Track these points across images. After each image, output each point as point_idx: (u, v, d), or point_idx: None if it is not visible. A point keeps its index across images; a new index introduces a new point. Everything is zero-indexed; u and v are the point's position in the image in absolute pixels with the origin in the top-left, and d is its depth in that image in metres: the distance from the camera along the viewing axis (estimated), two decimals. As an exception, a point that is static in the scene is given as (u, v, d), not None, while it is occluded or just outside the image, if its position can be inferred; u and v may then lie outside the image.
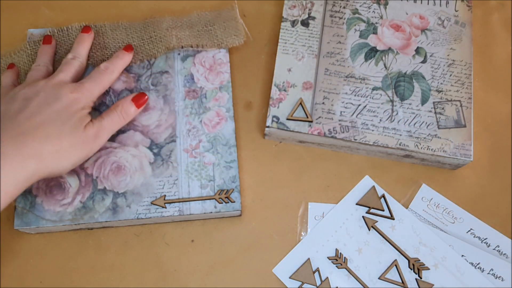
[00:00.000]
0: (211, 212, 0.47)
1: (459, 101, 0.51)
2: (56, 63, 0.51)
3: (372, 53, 0.52)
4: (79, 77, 0.49)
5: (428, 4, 0.55)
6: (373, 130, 0.50)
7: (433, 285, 0.48)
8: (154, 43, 0.52)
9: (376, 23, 0.54)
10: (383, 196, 0.51)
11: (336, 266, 0.48)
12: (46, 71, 0.48)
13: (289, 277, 0.48)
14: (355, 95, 0.51)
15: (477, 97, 0.55)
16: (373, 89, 0.51)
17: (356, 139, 0.49)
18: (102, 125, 0.45)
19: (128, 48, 0.50)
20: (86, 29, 0.51)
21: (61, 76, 0.46)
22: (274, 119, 0.50)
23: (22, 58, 0.52)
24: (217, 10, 0.54)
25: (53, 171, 0.41)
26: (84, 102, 0.44)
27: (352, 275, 0.48)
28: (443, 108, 0.51)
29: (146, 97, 0.48)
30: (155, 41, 0.52)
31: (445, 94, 0.51)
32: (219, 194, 0.48)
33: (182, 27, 0.53)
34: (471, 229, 0.50)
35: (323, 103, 0.50)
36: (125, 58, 0.50)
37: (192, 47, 0.52)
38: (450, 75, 0.52)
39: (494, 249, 0.50)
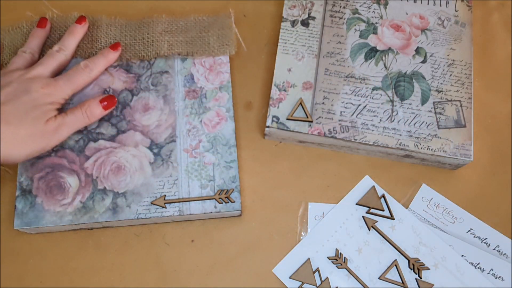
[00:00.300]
0: (211, 212, 0.47)
1: (459, 101, 0.51)
2: (46, 47, 0.51)
3: (372, 53, 0.52)
4: (61, 70, 0.50)
5: (428, 4, 0.55)
6: (373, 130, 0.50)
7: (433, 285, 0.48)
8: (145, 45, 0.51)
9: (376, 23, 0.54)
10: (383, 196, 0.51)
11: (336, 266, 0.48)
12: (30, 59, 0.49)
13: (289, 277, 0.48)
14: (355, 95, 0.51)
15: (477, 97, 0.55)
16: (373, 89, 0.51)
17: (356, 139, 0.49)
18: (64, 121, 0.45)
19: (115, 46, 0.50)
20: (80, 19, 0.51)
21: (39, 69, 0.46)
22: (274, 119, 0.50)
23: (17, 35, 0.52)
24: (214, 16, 0.54)
25: (7, 157, 0.43)
26: (54, 98, 0.45)
27: (352, 275, 0.48)
28: (443, 108, 0.51)
29: (115, 100, 0.49)
30: (146, 43, 0.51)
31: (445, 94, 0.51)
32: (219, 194, 0.48)
33: (176, 31, 0.52)
34: (471, 229, 0.50)
35: (323, 103, 0.51)
36: (109, 57, 0.50)
37: (181, 54, 0.52)
38: (450, 75, 0.52)
39: (494, 249, 0.50)
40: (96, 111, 0.47)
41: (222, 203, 0.47)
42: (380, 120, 0.50)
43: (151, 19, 0.53)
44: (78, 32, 0.50)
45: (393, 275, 0.48)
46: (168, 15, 0.54)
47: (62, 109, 0.48)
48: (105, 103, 0.48)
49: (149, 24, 0.52)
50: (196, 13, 0.54)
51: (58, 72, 0.49)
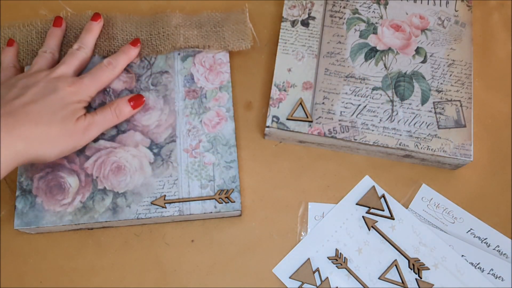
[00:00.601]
0: (211, 212, 0.47)
1: (459, 101, 0.51)
2: (64, 46, 0.52)
3: (372, 53, 0.52)
4: (83, 68, 0.50)
5: (428, 4, 0.55)
6: (373, 130, 0.50)
7: (433, 285, 0.48)
8: (161, 40, 0.52)
9: (376, 23, 0.54)
10: (383, 196, 0.51)
11: (336, 266, 0.48)
12: (51, 59, 0.49)
13: (289, 277, 0.48)
14: (355, 95, 0.51)
15: (477, 97, 0.55)
16: (373, 89, 0.51)
17: (356, 139, 0.49)
18: (94, 120, 0.46)
19: (135, 42, 0.51)
20: (96, 16, 0.51)
21: (63, 68, 0.47)
22: (274, 119, 0.50)
23: (30, 33, 0.52)
24: (228, 12, 0.54)
25: (39, 156, 0.42)
26: (80, 96, 0.46)
27: (352, 275, 0.48)
28: (443, 108, 0.51)
29: (143, 99, 0.49)
30: (162, 37, 0.52)
31: (445, 94, 0.51)
32: (219, 194, 0.48)
33: (191, 26, 0.53)
34: (471, 229, 0.50)
35: (323, 103, 0.51)
36: (131, 53, 0.50)
37: (198, 47, 0.52)
38: (450, 75, 0.52)
39: (494, 249, 0.50)
40: (125, 110, 0.48)
41: (222, 203, 0.47)
42: (380, 120, 0.50)
43: (164, 14, 0.53)
44: (94, 29, 0.51)
45: (393, 275, 0.48)
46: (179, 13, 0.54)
47: (87, 108, 0.48)
48: (135, 101, 0.48)
49: (163, 18, 0.52)
50: (197, 13, 0.54)
51: (81, 71, 0.50)
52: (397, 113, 0.50)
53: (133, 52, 0.50)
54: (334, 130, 0.49)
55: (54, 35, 0.51)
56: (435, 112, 0.51)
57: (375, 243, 0.49)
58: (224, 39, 0.52)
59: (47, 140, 0.42)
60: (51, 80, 0.45)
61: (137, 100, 0.49)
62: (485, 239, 0.50)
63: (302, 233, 0.50)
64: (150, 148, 0.49)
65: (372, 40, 0.53)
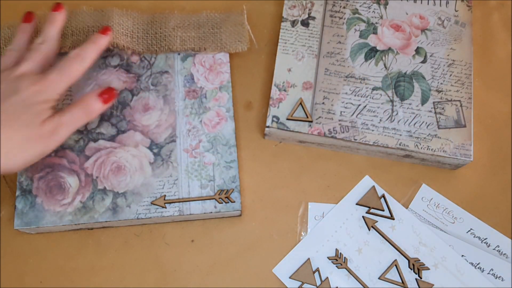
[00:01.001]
0: (211, 212, 0.47)
1: (459, 101, 0.51)
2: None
3: (372, 53, 0.52)
4: (49, 63, 0.45)
5: (428, 4, 0.55)
6: (373, 130, 0.50)
7: (433, 285, 0.48)
8: (157, 40, 0.52)
9: (376, 23, 0.54)
10: (383, 196, 0.51)
11: (336, 266, 0.48)
12: (19, 57, 0.44)
13: (289, 277, 0.48)
14: (355, 95, 0.51)
15: (477, 97, 0.55)
16: (373, 89, 0.51)
17: (356, 139, 0.49)
18: (61, 121, 0.41)
19: (105, 30, 0.46)
20: (57, 6, 0.46)
21: (25, 66, 0.42)
22: (274, 119, 0.50)
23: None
24: (227, 12, 0.54)
25: (4, 166, 0.38)
26: (46, 95, 0.41)
27: (352, 275, 0.48)
28: (443, 108, 0.51)
29: (115, 91, 0.45)
30: (159, 38, 0.52)
31: (445, 94, 0.51)
32: (219, 194, 0.48)
33: (189, 27, 0.53)
34: (471, 229, 0.50)
35: (323, 103, 0.51)
36: (100, 42, 0.45)
37: (194, 50, 0.52)
38: (450, 75, 0.52)
39: (494, 249, 0.50)
40: (95, 106, 0.43)
41: (222, 203, 0.47)
42: (380, 120, 0.50)
43: (163, 15, 0.53)
44: (57, 20, 0.45)
45: (393, 275, 0.48)
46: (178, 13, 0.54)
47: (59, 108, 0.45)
48: (106, 96, 0.44)
49: (161, 19, 0.52)
50: (198, 13, 0.54)
51: (46, 66, 0.44)
52: (397, 113, 0.50)
53: (102, 40, 0.45)
54: (334, 130, 0.49)
55: (23, 31, 0.46)
56: (435, 112, 0.51)
57: (375, 243, 0.49)
58: (221, 40, 0.52)
59: (12, 148, 0.38)
60: (12, 79, 0.41)
61: (107, 93, 0.44)
62: (485, 239, 0.50)
63: (302, 233, 0.50)
64: (150, 148, 0.49)
65: (372, 40, 0.53)
